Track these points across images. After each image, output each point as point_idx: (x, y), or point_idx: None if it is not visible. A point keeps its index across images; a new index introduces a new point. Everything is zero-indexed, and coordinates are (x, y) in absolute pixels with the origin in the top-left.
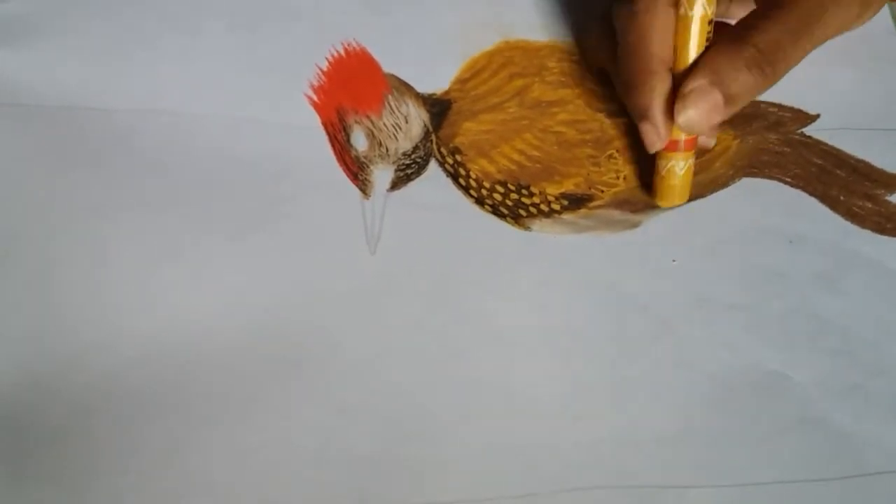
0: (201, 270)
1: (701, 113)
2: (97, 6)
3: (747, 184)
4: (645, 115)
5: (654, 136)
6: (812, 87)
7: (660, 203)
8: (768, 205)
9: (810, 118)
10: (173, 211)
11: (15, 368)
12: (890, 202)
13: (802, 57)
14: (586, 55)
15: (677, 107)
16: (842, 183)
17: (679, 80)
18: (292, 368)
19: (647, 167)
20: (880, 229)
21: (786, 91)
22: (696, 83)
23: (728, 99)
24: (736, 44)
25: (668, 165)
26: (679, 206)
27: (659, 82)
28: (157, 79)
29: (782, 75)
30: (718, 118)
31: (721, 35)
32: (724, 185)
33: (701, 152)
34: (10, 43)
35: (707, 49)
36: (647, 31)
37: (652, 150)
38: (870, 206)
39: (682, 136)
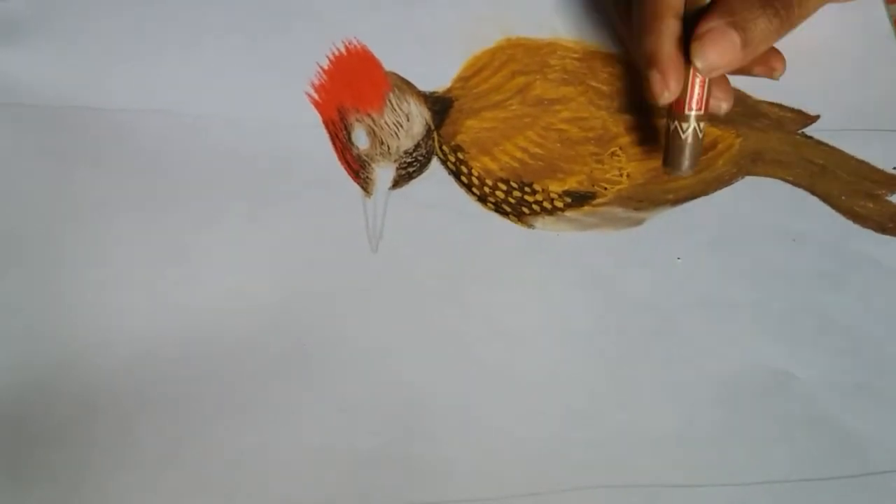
0: (202, 269)
1: (719, 53)
2: (97, 6)
3: (750, 182)
4: (653, 61)
5: (661, 84)
6: (812, 89)
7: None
8: (771, 203)
9: (811, 119)
10: (174, 210)
11: (15, 368)
12: (891, 202)
13: (818, 5)
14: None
15: (693, 46)
16: (843, 183)
17: (691, 24)
18: (294, 366)
19: (650, 164)
20: (882, 229)
21: (787, 92)
22: (714, 23)
23: (745, 42)
24: None
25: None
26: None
27: (667, 26)
28: (157, 78)
29: (798, 21)
30: (736, 61)
31: None
32: (728, 182)
33: (709, 145)
34: (10, 43)
35: None
36: None
37: (659, 101)
38: (871, 206)
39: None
